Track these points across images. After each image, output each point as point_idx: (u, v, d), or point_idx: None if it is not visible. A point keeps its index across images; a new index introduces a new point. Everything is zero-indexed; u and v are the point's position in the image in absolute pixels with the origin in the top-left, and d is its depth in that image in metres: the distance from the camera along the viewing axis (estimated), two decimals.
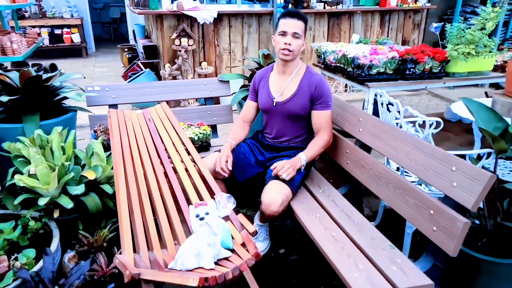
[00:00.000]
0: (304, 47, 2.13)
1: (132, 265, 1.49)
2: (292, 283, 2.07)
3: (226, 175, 2.10)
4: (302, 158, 2.06)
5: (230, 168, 2.10)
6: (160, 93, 2.79)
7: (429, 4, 5.73)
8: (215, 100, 3.05)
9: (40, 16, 7.89)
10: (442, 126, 2.13)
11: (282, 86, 2.16)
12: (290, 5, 4.94)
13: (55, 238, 1.89)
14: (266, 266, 2.17)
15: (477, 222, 1.94)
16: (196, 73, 4.74)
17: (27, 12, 7.83)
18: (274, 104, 2.16)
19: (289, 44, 2.02)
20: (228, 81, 2.94)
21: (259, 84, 2.27)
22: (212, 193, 1.92)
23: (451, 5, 6.12)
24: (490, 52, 2.96)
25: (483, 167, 2.02)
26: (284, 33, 2.03)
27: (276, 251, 2.30)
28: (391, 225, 2.41)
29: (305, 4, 5.04)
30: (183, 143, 2.15)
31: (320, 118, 2.12)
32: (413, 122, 2.14)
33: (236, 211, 1.87)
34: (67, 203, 1.93)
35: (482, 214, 1.89)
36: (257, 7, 5.16)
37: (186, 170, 2.01)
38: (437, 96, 5.63)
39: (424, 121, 2.01)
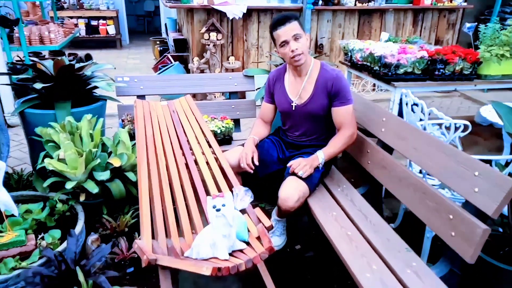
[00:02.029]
0: (309, 40, 2.08)
1: (150, 251, 1.53)
2: (305, 279, 2.08)
3: (252, 171, 2.10)
4: (320, 156, 2.04)
5: (257, 163, 2.10)
6: (186, 85, 2.84)
7: (465, 4, 5.53)
8: (240, 95, 3.09)
9: (78, 7, 8.18)
10: (470, 129, 2.07)
11: (298, 88, 2.12)
12: (320, 1, 4.89)
13: (80, 220, 1.98)
14: (281, 261, 2.18)
15: (501, 230, 1.88)
16: (224, 67, 4.78)
17: (65, 3, 8.12)
18: (293, 108, 2.15)
19: (296, 48, 1.98)
20: (253, 76, 2.96)
21: (274, 86, 2.24)
22: (231, 186, 1.95)
23: (490, 5, 5.87)
24: None
25: (510, 173, 1.96)
26: (285, 42, 1.99)
27: (292, 247, 2.31)
28: (411, 228, 2.36)
29: (336, 1, 4.98)
30: (205, 136, 2.18)
31: (340, 114, 2.07)
32: (440, 124, 2.09)
33: (255, 205, 1.89)
34: (93, 188, 2.01)
35: (506, 222, 1.83)
36: (287, 3, 5.13)
37: (207, 162, 2.05)
38: (469, 98, 5.44)
39: (452, 124, 1.96)
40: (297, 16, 2.02)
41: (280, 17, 1.98)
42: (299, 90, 2.12)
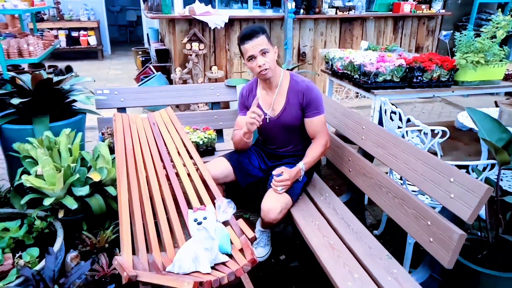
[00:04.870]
0: (277, 52, 2.07)
1: (130, 267, 1.51)
2: None
3: (261, 120, 1.96)
4: (302, 168, 2.06)
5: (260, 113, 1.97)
6: (168, 97, 2.83)
7: (443, 11, 5.67)
8: (223, 105, 3.08)
9: (58, 18, 8.09)
10: (448, 135, 2.11)
11: (270, 101, 2.13)
12: (301, 10, 4.95)
13: (59, 237, 1.94)
14: (266, 271, 2.17)
15: (480, 234, 1.91)
16: (206, 77, 4.79)
17: (45, 14, 8.03)
18: (267, 121, 2.15)
19: (263, 63, 1.97)
20: (235, 86, 2.96)
21: (248, 99, 2.22)
22: (213, 198, 1.94)
23: (467, 12, 6.03)
24: (500, 61, 2.92)
25: (486, 178, 2.00)
26: (252, 57, 1.97)
27: (277, 257, 2.31)
28: (394, 234, 2.39)
29: (317, 10, 5.04)
30: (186, 148, 2.17)
31: (313, 125, 2.08)
32: (420, 131, 2.13)
33: (239, 215, 1.88)
34: (72, 204, 1.98)
35: (484, 226, 1.86)
36: (269, 12, 5.19)
37: (188, 174, 2.04)
38: (450, 103, 5.56)
39: (432, 130, 1.99)
40: (265, 29, 2.01)
41: (248, 32, 1.96)
42: (271, 103, 2.13)
